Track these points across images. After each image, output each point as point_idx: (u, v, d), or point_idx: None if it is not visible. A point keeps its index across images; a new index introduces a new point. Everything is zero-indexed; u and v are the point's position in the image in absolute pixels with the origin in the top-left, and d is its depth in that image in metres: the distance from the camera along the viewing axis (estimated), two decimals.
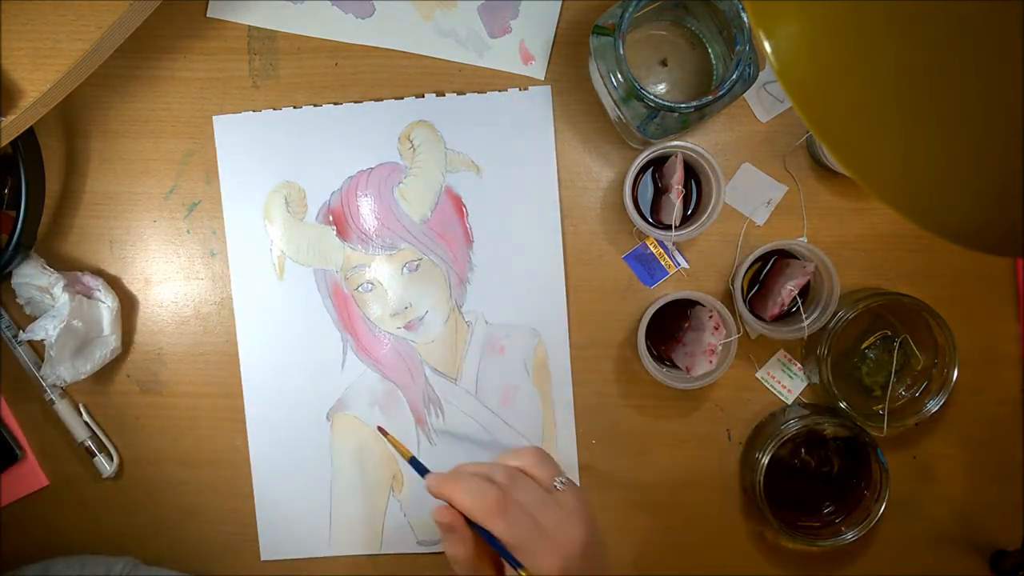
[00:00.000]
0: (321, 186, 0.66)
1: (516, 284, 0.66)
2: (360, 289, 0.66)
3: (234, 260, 0.66)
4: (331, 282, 0.66)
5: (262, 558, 0.67)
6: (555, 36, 0.65)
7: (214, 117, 0.66)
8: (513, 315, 0.66)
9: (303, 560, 0.67)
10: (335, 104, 0.65)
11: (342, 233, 0.66)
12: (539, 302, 0.66)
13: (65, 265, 0.66)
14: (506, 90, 0.65)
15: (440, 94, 0.65)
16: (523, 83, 0.65)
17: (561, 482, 0.53)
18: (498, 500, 0.49)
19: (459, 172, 0.65)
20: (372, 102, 0.65)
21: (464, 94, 0.65)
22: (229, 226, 0.66)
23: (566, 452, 0.66)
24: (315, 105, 0.65)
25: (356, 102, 0.65)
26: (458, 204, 0.66)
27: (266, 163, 0.66)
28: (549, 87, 0.65)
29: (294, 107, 0.65)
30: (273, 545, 0.67)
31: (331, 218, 0.66)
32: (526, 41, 0.65)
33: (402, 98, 0.65)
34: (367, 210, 0.65)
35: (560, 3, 0.65)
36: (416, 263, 0.65)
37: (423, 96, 0.65)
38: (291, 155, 0.66)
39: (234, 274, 0.66)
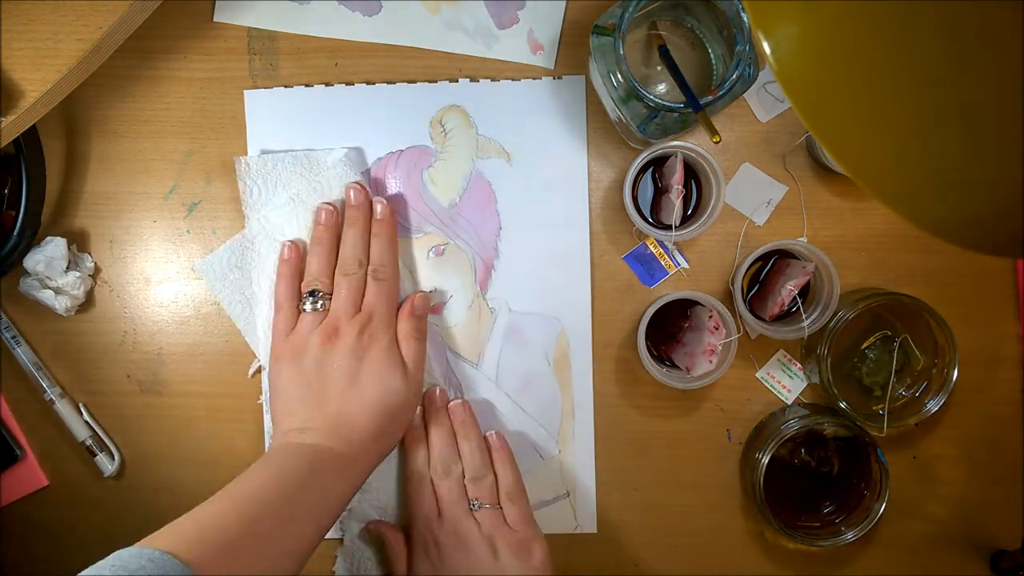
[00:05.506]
0: None
1: (541, 273, 0.65)
2: None
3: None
4: None
5: None
6: (562, 24, 0.64)
7: (245, 92, 0.65)
8: (537, 304, 0.66)
9: None
10: (368, 83, 0.65)
11: None
12: (564, 292, 0.65)
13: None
14: (540, 78, 0.65)
15: (474, 79, 0.65)
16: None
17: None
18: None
19: (489, 158, 0.65)
20: (405, 84, 0.65)
21: (497, 80, 0.65)
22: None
23: (582, 439, 0.66)
24: (347, 84, 0.65)
25: (388, 82, 0.65)
26: (487, 190, 0.65)
27: (295, 141, 0.65)
28: (584, 76, 0.64)
29: (326, 84, 0.65)
30: None
31: None
32: (534, 30, 0.65)
33: (435, 81, 0.65)
34: (395, 192, 0.65)
35: None
36: (442, 247, 0.65)
37: (456, 80, 0.65)
38: (320, 134, 0.65)
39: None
